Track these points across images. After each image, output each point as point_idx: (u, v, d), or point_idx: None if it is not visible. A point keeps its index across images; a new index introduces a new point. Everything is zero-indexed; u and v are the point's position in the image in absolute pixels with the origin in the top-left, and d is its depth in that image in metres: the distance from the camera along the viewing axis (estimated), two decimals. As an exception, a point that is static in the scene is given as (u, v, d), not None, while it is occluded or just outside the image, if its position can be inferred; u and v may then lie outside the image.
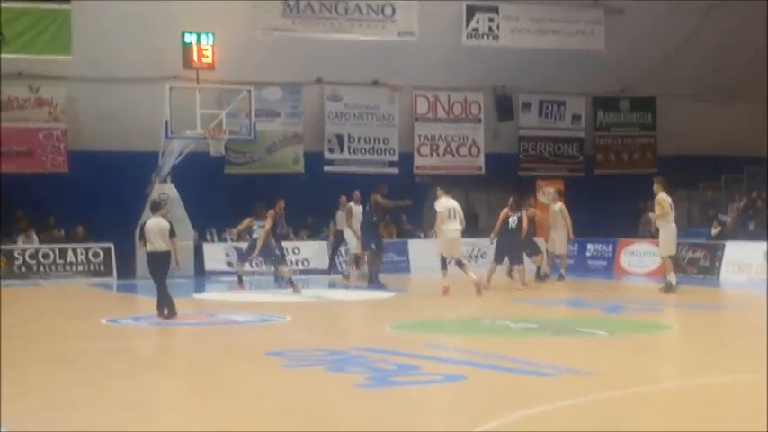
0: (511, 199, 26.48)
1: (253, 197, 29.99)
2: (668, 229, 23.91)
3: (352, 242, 28.31)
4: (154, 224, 19.11)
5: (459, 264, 23.29)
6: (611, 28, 35.40)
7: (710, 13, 35.18)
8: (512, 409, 10.25)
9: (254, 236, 24.71)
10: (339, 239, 30.36)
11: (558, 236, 28.52)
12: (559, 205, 28.73)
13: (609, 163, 38.78)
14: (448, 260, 23.25)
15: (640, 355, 14.61)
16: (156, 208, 19.79)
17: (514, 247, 25.79)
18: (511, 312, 20.07)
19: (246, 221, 25.09)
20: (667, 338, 16.77)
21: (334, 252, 31.47)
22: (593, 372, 12.58)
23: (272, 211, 25.25)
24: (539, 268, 27.90)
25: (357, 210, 28.30)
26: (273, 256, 25.17)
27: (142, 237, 19.38)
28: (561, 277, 28.11)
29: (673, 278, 23.75)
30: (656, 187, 24.16)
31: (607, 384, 11.71)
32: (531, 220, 27.35)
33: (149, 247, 19.00)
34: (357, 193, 28.74)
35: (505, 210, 26.01)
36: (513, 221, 25.74)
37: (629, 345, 15.88)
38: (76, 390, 11.74)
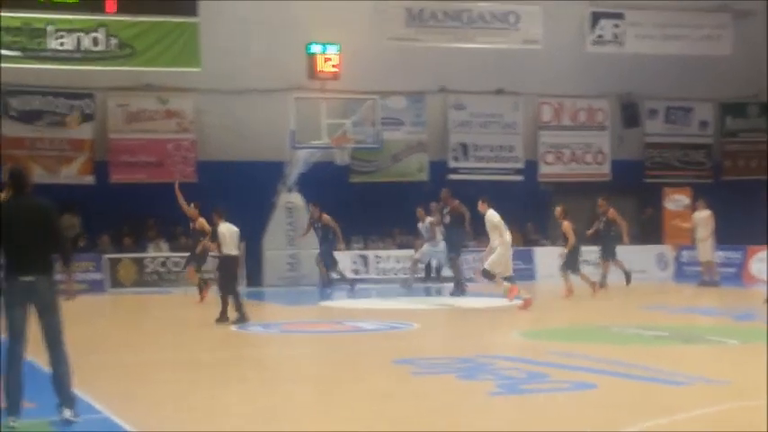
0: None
1: (377, 205, 30.26)
2: None
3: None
4: (225, 229, 19.51)
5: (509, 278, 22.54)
6: (739, 32, 34.90)
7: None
8: (644, 417, 10.15)
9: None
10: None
11: (704, 243, 28.20)
12: (707, 213, 28.31)
13: (737, 169, 38.16)
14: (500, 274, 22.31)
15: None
16: (223, 213, 20.02)
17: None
18: (640, 320, 19.85)
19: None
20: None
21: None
22: (725, 381, 12.40)
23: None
24: None
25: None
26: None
27: (215, 240, 19.80)
28: (715, 283, 27.81)
29: None
30: (699, 205, 23.81)
31: (742, 394, 11.52)
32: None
33: (223, 251, 19.48)
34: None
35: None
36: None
37: (761, 353, 15.59)
38: (208, 396, 11.90)
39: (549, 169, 36.60)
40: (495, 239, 22.01)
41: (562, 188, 36.23)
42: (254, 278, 30.33)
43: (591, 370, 13.22)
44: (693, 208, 29.45)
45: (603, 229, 27.85)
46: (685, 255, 32.59)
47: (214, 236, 20.24)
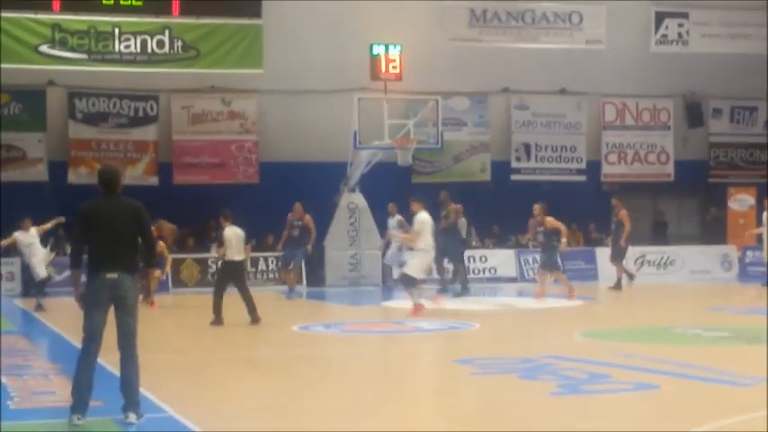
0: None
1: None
2: None
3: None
4: (231, 233, 19.55)
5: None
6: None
7: None
8: (707, 418, 10.11)
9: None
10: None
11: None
12: None
13: (803, 169, 37.78)
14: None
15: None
16: (229, 217, 20.09)
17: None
18: (702, 320, 19.71)
19: None
20: None
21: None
22: (790, 382, 12.29)
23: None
24: None
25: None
26: None
27: (221, 244, 19.83)
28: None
29: None
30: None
31: (805, 395, 11.43)
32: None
33: (227, 256, 19.51)
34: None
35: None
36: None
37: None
38: (272, 396, 11.98)
39: (612, 169, 36.43)
40: (419, 243, 21.11)
41: (625, 188, 36.06)
42: (316, 278, 30.45)
43: (653, 371, 13.16)
44: (762, 207, 28.78)
45: (615, 232, 27.69)
46: (750, 255, 32.32)
47: (220, 240, 20.29)
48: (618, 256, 28.26)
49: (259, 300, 20.91)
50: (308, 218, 26.39)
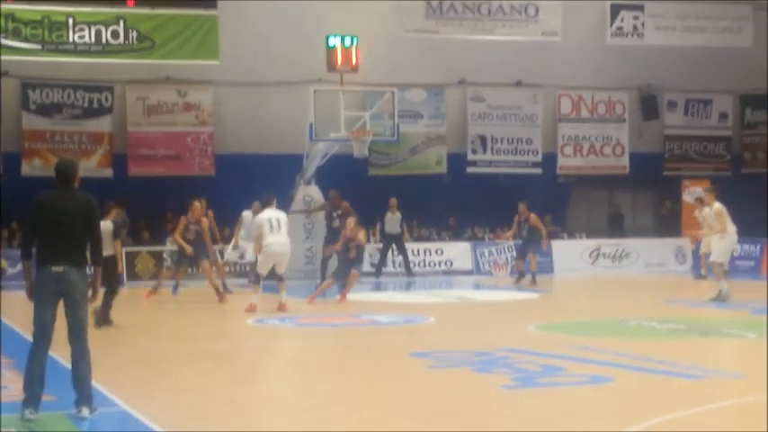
0: None
1: (396, 199, 30.22)
2: (727, 239, 22.89)
3: None
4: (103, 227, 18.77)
5: (280, 279, 21.39)
6: (759, 23, 34.78)
7: None
8: (660, 411, 10.17)
9: None
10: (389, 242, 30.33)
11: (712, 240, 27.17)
12: (716, 207, 26.34)
13: (757, 161, 38.01)
14: (264, 276, 21.37)
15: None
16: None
17: None
18: (657, 313, 19.83)
19: None
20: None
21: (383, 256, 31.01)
22: (741, 374, 12.40)
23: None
24: None
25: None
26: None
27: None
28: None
29: (724, 285, 22.10)
30: (707, 198, 23.27)
31: (756, 387, 11.50)
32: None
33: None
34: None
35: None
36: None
37: (779, 347, 15.59)
38: (227, 390, 11.95)
39: (568, 162, 36.54)
40: (266, 238, 20.85)
41: (581, 181, 36.22)
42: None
43: (607, 363, 13.24)
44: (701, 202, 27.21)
45: (527, 236, 27.77)
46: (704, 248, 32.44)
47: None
48: (523, 254, 28.38)
49: (208, 294, 20.91)
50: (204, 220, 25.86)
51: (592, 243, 33.22)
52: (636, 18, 34.81)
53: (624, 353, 14.24)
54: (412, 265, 30.73)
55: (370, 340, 16.97)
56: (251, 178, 30.15)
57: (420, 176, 34.05)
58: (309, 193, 30.52)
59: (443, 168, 35.15)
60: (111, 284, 17.84)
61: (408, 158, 34.96)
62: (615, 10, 34.59)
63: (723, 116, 37.85)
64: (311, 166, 30.45)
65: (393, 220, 30.08)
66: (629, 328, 17.95)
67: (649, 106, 36.82)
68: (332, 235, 27.52)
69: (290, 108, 31.48)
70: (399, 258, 30.64)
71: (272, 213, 21.11)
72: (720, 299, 21.75)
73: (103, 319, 17.80)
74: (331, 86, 29.74)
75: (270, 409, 10.89)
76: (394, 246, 30.33)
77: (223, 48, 30.89)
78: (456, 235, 33.95)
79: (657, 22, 34.88)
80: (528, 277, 27.81)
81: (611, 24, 34.68)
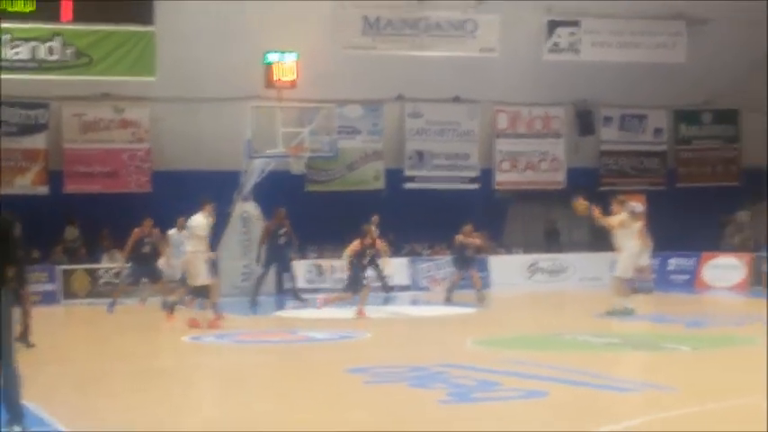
0: None
1: (334, 215, 30.22)
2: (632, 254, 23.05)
3: None
4: None
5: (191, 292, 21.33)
6: (693, 40, 35.14)
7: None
8: (593, 424, 10.24)
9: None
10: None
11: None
12: (620, 217, 26.81)
13: (691, 176, 38.40)
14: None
15: (724, 370, 14.49)
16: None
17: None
18: (592, 328, 19.96)
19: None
20: (751, 353, 16.57)
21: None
22: (675, 387, 12.51)
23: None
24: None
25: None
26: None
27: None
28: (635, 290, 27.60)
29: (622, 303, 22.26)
30: (617, 207, 23.88)
31: (690, 400, 11.63)
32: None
33: None
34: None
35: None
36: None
37: (712, 360, 15.78)
38: (164, 408, 11.90)
39: (505, 177, 36.67)
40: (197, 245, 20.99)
41: (518, 196, 36.38)
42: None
43: (542, 377, 13.32)
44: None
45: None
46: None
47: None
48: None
49: (151, 310, 20.84)
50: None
51: (529, 258, 33.40)
52: (572, 34, 35.01)
53: (559, 367, 14.34)
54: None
55: (306, 357, 16.98)
56: (188, 195, 30.03)
57: (358, 192, 34.04)
58: (247, 209, 30.46)
59: (381, 184, 35.17)
60: None
61: (346, 174, 34.96)
62: (552, 26, 34.78)
63: (658, 131, 38.18)
64: (249, 183, 30.41)
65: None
66: (565, 343, 18.08)
67: (585, 122, 37.06)
68: (275, 252, 27.53)
69: (228, 124, 31.37)
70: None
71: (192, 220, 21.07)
72: (615, 313, 21.80)
73: None
74: (269, 103, 29.76)
75: (201, 426, 10.85)
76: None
77: (161, 64, 30.71)
78: (394, 251, 33.94)
79: (593, 38, 35.11)
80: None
81: (548, 40, 34.84)
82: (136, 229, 25.13)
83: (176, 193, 30.40)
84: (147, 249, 25.03)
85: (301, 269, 30.90)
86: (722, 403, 11.43)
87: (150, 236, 25.18)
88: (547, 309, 23.09)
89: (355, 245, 23.45)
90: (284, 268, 28.53)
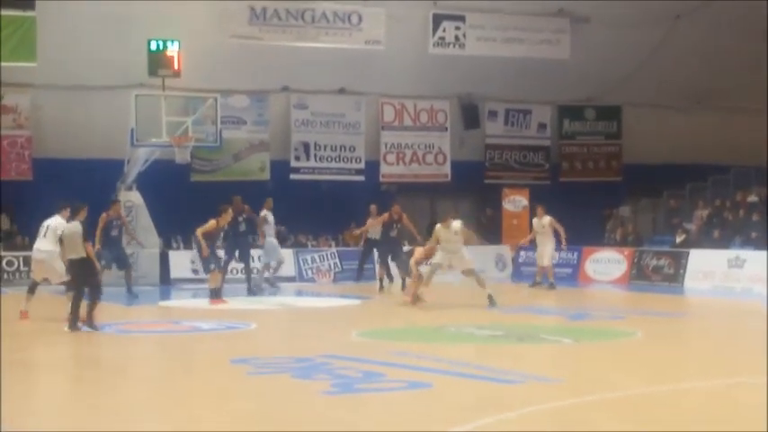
0: None
1: (219, 205, 29.98)
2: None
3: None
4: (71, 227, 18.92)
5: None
6: (577, 37, 35.56)
7: (677, 22, 35.42)
8: (477, 416, 10.27)
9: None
10: (370, 246, 30.04)
11: (545, 249, 28.10)
12: (548, 219, 28.07)
13: (574, 171, 38.91)
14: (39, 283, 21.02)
15: (605, 362, 14.69)
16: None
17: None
18: (476, 320, 20.07)
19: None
20: (632, 345, 16.83)
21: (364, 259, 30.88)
22: (558, 379, 12.63)
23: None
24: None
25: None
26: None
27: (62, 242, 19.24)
28: (552, 286, 27.92)
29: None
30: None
31: (572, 391, 11.76)
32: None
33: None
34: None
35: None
36: None
37: (594, 352, 15.97)
38: (46, 396, 11.70)
39: (391, 170, 36.78)
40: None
41: (403, 188, 36.47)
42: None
43: (426, 369, 13.35)
44: (533, 214, 29.52)
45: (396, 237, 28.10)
46: (523, 255, 33.09)
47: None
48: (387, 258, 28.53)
49: (32, 300, 20.46)
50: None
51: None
52: (457, 28, 35.20)
53: (443, 358, 14.40)
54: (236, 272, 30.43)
55: (190, 347, 16.84)
56: (70, 183, 29.60)
57: (243, 183, 33.81)
58: (131, 198, 30.11)
59: (267, 175, 35.03)
60: (90, 289, 18.53)
61: (231, 164, 34.76)
62: (437, 20, 34.93)
63: (542, 126, 38.59)
64: (132, 172, 30.09)
65: (376, 227, 29.36)
66: (449, 335, 18.16)
67: (470, 115, 37.32)
68: (238, 239, 27.08)
69: (112, 112, 31.02)
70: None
71: (50, 221, 20.47)
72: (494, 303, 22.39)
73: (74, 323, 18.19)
74: (153, 91, 29.43)
75: (83, 417, 10.68)
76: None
77: (42, 50, 30.19)
78: (279, 242, 33.79)
79: (478, 33, 35.35)
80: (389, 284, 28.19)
81: (434, 34, 34.98)
82: (103, 214, 25.02)
83: (59, 180, 30.04)
84: (115, 233, 24.99)
85: (185, 260, 30.68)
86: (606, 394, 11.57)
87: (119, 218, 25.49)
88: (432, 301, 23.10)
89: (210, 225, 23.35)
90: (244, 256, 27.91)
